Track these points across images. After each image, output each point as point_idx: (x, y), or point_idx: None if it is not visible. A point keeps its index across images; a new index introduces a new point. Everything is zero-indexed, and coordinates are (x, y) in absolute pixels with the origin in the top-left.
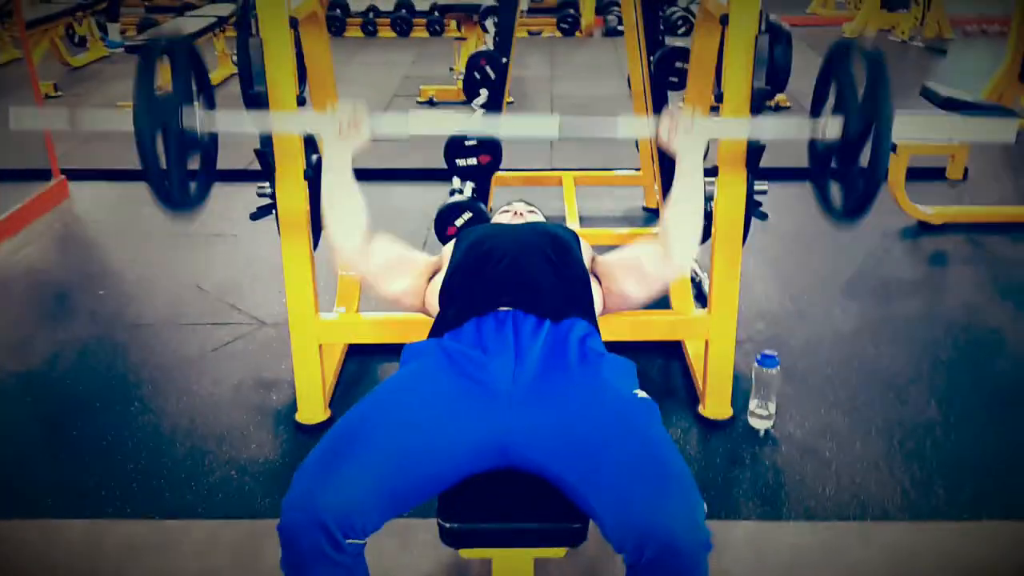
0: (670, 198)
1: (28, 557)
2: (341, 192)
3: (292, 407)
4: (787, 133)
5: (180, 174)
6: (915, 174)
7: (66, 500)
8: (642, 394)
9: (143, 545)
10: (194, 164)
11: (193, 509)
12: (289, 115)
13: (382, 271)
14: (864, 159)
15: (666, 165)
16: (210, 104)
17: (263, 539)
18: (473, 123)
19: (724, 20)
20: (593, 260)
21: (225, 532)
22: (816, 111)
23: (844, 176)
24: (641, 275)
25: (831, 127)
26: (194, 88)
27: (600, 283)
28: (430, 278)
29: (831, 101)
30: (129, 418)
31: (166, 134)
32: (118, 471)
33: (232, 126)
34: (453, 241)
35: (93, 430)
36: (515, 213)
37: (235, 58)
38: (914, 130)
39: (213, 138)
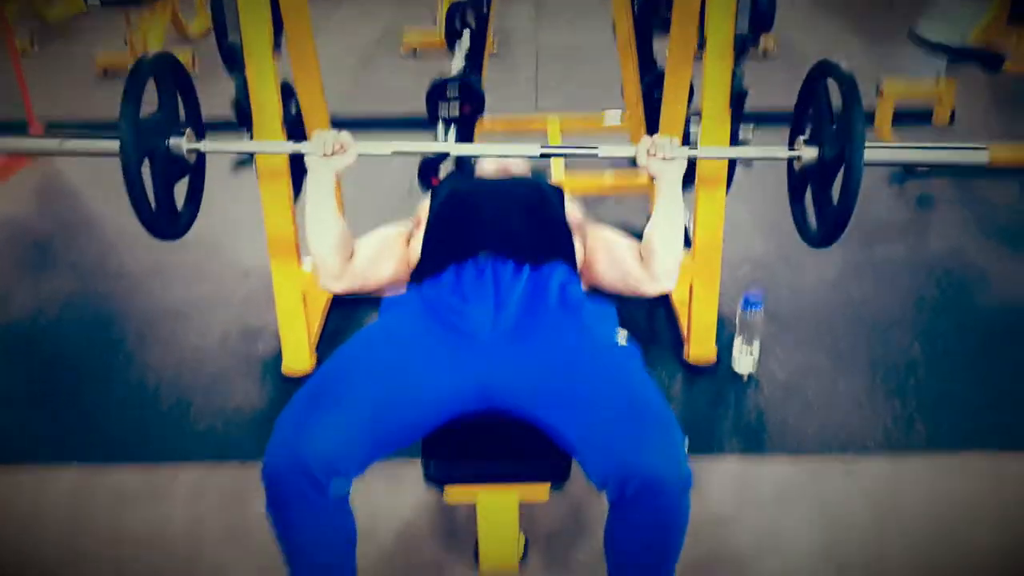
0: (651, 221)
1: (20, 503)
2: (325, 214)
3: (278, 356)
4: (765, 156)
5: (168, 203)
6: (902, 118)
7: (55, 450)
8: (623, 338)
9: (132, 491)
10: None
11: (181, 457)
12: (275, 142)
13: (366, 268)
14: (838, 185)
15: (651, 112)
16: (198, 125)
17: (250, 483)
18: (453, 147)
19: None
20: (584, 222)
21: (213, 478)
22: (796, 131)
23: (817, 201)
24: (623, 272)
25: (807, 150)
26: (181, 111)
27: (584, 248)
28: (409, 240)
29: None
30: (115, 369)
31: (153, 162)
32: (106, 421)
33: (220, 149)
34: (429, 194)
35: (80, 381)
36: (498, 164)
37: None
38: (886, 157)
39: (200, 161)
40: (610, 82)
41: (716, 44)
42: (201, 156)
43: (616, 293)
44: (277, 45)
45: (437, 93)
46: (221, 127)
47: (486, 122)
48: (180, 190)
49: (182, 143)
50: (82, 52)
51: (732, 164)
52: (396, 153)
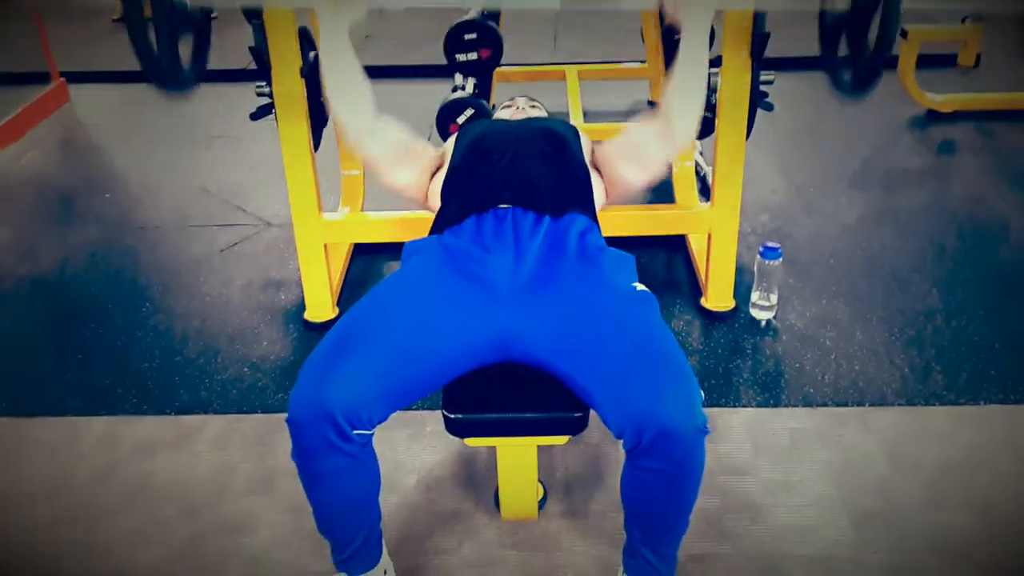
0: (672, 71)
1: (51, 454)
2: (341, 69)
3: (301, 306)
4: (796, 2)
5: (173, 57)
6: (926, 61)
7: (83, 400)
8: (640, 287)
9: (160, 441)
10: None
11: (208, 405)
12: None
13: (387, 158)
14: (874, 32)
15: (671, 56)
16: None
17: (277, 432)
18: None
19: None
20: (592, 152)
21: (239, 426)
22: None
23: (852, 48)
24: (642, 158)
25: None
26: None
27: (601, 175)
28: (433, 174)
29: None
30: (140, 319)
31: (156, 10)
32: (133, 371)
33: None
34: (453, 138)
35: (106, 332)
36: (517, 108)
37: None
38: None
39: (206, 13)
40: (630, 25)
41: None
42: (206, 10)
43: (647, 183)
44: None
45: (455, 39)
46: (240, 76)
47: (504, 70)
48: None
49: None
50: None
51: (753, 109)
52: (410, 8)
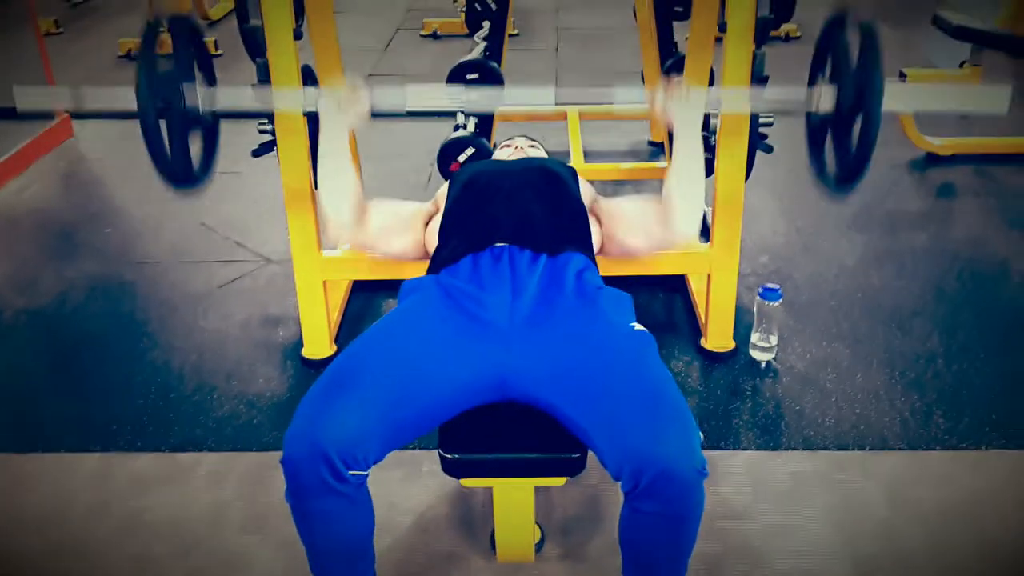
0: (670, 170)
1: (43, 490)
2: (337, 168)
3: (298, 343)
4: (784, 104)
5: (184, 157)
6: None
7: (78, 435)
8: (639, 326)
9: (154, 478)
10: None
11: (203, 442)
12: (289, 91)
13: (378, 235)
14: (857, 132)
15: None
16: (211, 80)
17: (271, 471)
18: (472, 98)
19: None
20: (595, 201)
21: (233, 464)
22: (813, 80)
23: (837, 147)
24: (644, 233)
25: (825, 98)
26: (196, 65)
27: (600, 225)
28: (427, 223)
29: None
30: (138, 354)
31: (169, 113)
32: (128, 406)
33: (233, 102)
34: (447, 182)
35: (102, 366)
36: (516, 148)
37: None
38: (905, 101)
39: (215, 115)
40: (630, 66)
41: (736, 28)
42: (215, 113)
43: (645, 253)
44: (298, 31)
45: (457, 79)
46: (242, 113)
47: (506, 109)
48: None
49: (196, 97)
50: (106, 34)
51: (752, 150)
52: (411, 112)
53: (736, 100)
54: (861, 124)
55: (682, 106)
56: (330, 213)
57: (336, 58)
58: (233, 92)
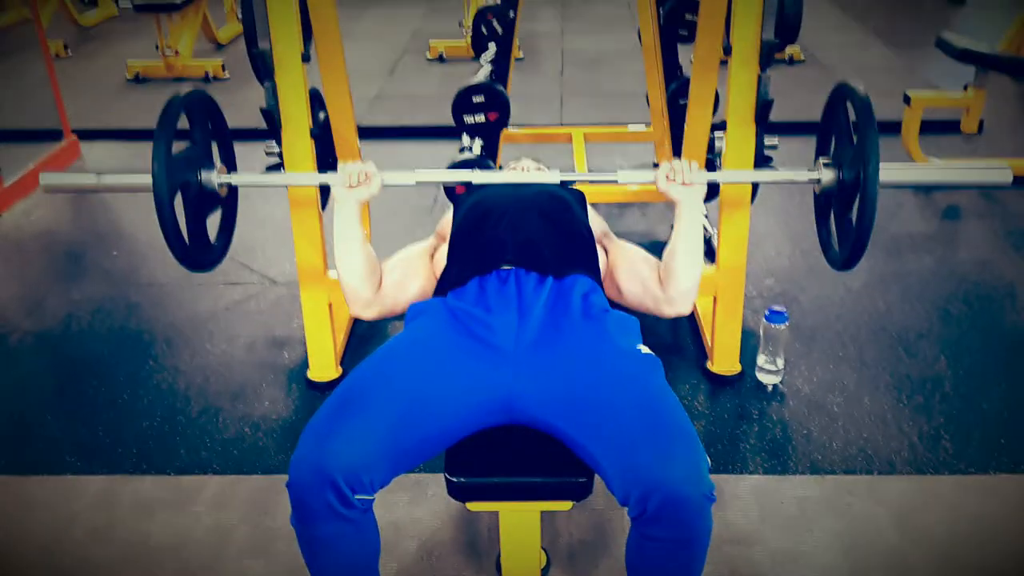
0: (670, 245)
1: (47, 512)
2: (353, 250)
3: (304, 365)
4: (785, 180)
5: (200, 235)
6: (929, 127)
7: (83, 457)
8: (645, 349)
9: (159, 501)
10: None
11: (207, 465)
12: (303, 175)
13: (396, 291)
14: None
15: (676, 120)
16: (229, 158)
17: (276, 494)
18: (476, 176)
19: None
20: (605, 235)
21: (238, 488)
22: (819, 152)
23: (839, 223)
24: (642, 283)
25: (827, 173)
26: (214, 145)
27: (606, 258)
28: (433, 255)
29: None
30: (144, 376)
31: (185, 194)
32: (134, 428)
33: (250, 182)
34: (450, 211)
35: (108, 388)
36: (523, 170)
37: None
38: (902, 178)
39: (232, 193)
40: (635, 88)
41: (741, 51)
42: (233, 189)
43: (636, 309)
44: (306, 54)
45: (463, 102)
46: (250, 136)
47: (511, 131)
48: (212, 222)
49: (213, 177)
50: (114, 57)
51: None
52: (420, 183)
53: (738, 177)
54: (858, 208)
55: (685, 188)
56: (351, 293)
57: (343, 81)
58: (250, 175)
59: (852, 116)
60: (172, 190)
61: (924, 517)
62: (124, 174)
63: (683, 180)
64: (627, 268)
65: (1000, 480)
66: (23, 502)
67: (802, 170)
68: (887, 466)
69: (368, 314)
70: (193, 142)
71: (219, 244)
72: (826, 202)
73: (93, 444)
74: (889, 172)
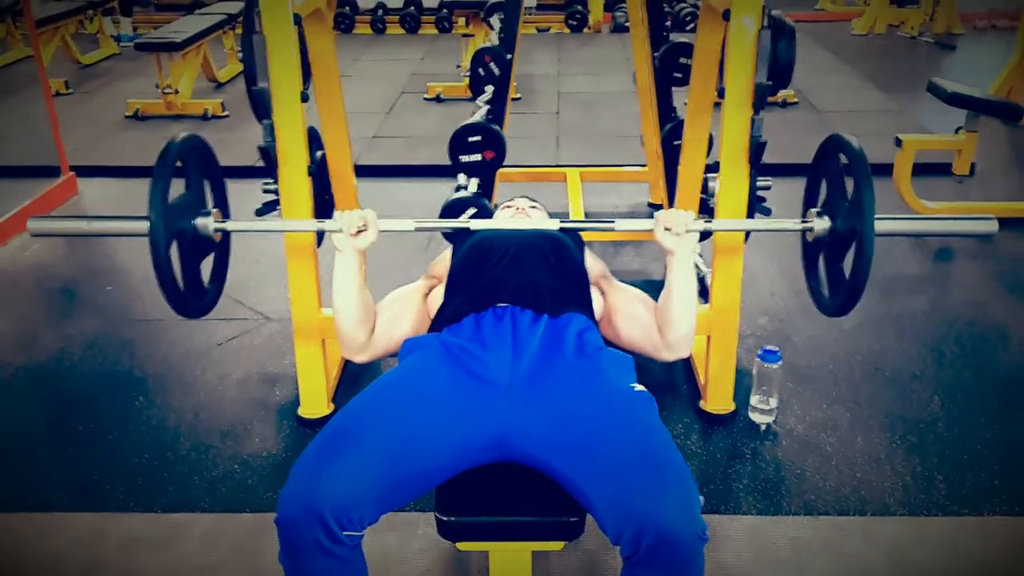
0: (665, 292)
1: (34, 550)
2: (350, 299)
3: (295, 402)
4: (777, 228)
5: (194, 282)
6: (921, 169)
7: (71, 494)
8: (639, 387)
9: (147, 538)
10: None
11: (196, 503)
12: (301, 221)
13: (388, 329)
14: (850, 256)
15: (671, 161)
16: (223, 205)
17: (265, 533)
18: (474, 223)
19: (726, 15)
20: (604, 277)
21: (227, 526)
22: (809, 202)
23: (830, 273)
24: (641, 328)
25: (819, 223)
26: (208, 192)
27: (604, 300)
28: (427, 295)
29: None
30: (134, 413)
31: (180, 241)
32: (123, 465)
33: (246, 228)
34: (447, 251)
35: (98, 424)
36: (517, 209)
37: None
38: (894, 228)
39: (226, 239)
40: (630, 130)
41: (735, 94)
42: (227, 235)
43: (634, 351)
44: (305, 93)
45: (460, 141)
46: (247, 173)
47: (507, 171)
48: (205, 265)
49: (209, 223)
50: (114, 94)
51: (751, 213)
52: (419, 229)
53: (732, 226)
54: (854, 261)
55: (679, 237)
56: (346, 338)
57: (342, 120)
58: (245, 222)
59: (844, 161)
60: (169, 239)
61: (918, 558)
62: (114, 220)
63: (676, 231)
64: (626, 312)
65: (994, 522)
66: (10, 539)
67: (795, 219)
68: (881, 506)
69: (361, 358)
70: (188, 187)
71: (212, 289)
72: (816, 250)
73: (82, 480)
74: (882, 224)
